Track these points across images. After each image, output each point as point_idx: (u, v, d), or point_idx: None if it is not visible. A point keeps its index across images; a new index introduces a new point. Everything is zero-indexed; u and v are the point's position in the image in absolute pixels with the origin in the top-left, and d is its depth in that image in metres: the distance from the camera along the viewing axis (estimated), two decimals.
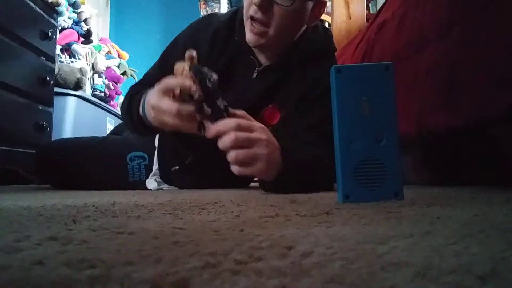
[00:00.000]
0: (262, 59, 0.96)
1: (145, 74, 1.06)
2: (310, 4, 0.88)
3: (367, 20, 1.97)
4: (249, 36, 0.87)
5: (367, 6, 2.86)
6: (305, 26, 0.94)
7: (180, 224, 0.32)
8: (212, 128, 0.64)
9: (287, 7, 0.82)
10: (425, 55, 0.91)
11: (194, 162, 1.03)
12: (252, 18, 0.84)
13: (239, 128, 0.64)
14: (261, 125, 0.69)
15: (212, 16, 1.05)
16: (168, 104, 0.67)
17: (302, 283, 0.16)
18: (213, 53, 0.96)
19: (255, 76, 0.96)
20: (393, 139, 0.51)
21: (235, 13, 0.99)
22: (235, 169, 0.65)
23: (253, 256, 0.20)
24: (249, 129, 0.66)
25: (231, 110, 0.66)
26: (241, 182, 1.18)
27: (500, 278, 0.16)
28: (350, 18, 1.99)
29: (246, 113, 0.68)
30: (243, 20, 0.93)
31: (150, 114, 0.75)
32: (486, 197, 0.55)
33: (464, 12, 0.78)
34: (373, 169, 0.50)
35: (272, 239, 0.24)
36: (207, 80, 0.63)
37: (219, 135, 0.64)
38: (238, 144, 0.63)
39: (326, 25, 2.46)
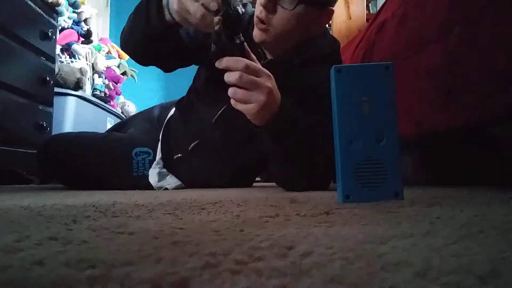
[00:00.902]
0: (269, 54, 0.99)
1: None
2: (315, 11, 0.89)
3: (367, 20, 1.97)
4: (254, 32, 0.91)
5: (367, 6, 2.86)
6: (311, 32, 0.95)
7: (180, 224, 0.32)
8: (223, 62, 0.68)
9: (289, 10, 0.85)
10: (425, 55, 0.91)
11: (197, 148, 1.05)
12: (258, 16, 0.88)
13: (246, 69, 0.68)
14: (268, 72, 0.72)
15: (244, 6, 1.07)
16: (195, 8, 0.70)
17: (302, 283, 0.16)
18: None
19: None
20: (393, 139, 0.51)
21: None
22: (232, 101, 0.71)
23: (253, 256, 0.20)
24: (255, 73, 0.69)
25: (246, 49, 0.70)
26: (242, 179, 1.18)
27: (500, 278, 0.16)
28: (350, 18, 1.99)
29: (256, 60, 0.72)
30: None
31: (174, 6, 0.76)
32: (486, 197, 0.55)
33: (464, 12, 0.78)
34: (373, 169, 0.50)
35: (272, 239, 0.24)
36: (232, 14, 0.65)
37: (227, 69, 0.69)
38: (241, 84, 0.68)
39: (326, 25, 2.46)
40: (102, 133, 1.25)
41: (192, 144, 1.07)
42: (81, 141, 1.14)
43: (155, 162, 1.11)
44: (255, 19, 0.90)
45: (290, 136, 0.79)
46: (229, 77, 0.69)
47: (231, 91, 0.70)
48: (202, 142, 1.07)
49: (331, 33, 2.19)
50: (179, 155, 1.09)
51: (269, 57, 0.98)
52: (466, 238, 0.24)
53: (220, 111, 1.00)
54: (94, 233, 0.28)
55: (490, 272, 0.16)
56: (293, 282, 0.16)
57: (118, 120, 2.64)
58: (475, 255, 0.19)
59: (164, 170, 1.10)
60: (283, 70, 0.97)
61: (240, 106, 0.71)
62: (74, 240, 0.25)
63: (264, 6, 0.85)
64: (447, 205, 0.45)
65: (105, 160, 1.10)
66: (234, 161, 1.09)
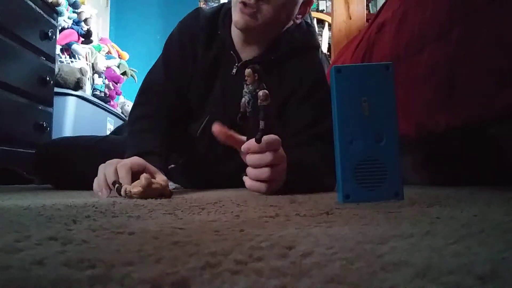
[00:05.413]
0: (243, 54, 0.96)
1: (150, 80, 1.06)
2: (300, 0, 0.89)
3: (367, 20, 1.97)
4: (238, 17, 0.86)
5: (367, 6, 2.86)
6: (291, 22, 0.95)
7: (180, 224, 0.32)
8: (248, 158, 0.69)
9: None
10: (425, 55, 0.91)
11: (186, 163, 1.04)
12: (243, 2, 0.84)
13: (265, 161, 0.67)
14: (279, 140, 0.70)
15: (198, 10, 1.05)
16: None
17: (302, 283, 0.16)
18: (200, 49, 0.97)
19: (234, 72, 0.95)
20: (393, 139, 0.51)
21: (220, 9, 1.00)
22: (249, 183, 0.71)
23: (253, 256, 0.20)
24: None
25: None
26: (236, 182, 1.18)
27: (500, 278, 0.16)
28: (350, 18, 1.99)
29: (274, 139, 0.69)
30: (226, 15, 0.94)
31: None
32: (486, 197, 0.55)
33: (464, 12, 0.78)
34: (373, 169, 0.50)
35: (272, 239, 0.24)
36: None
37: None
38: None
39: (326, 25, 2.46)
40: (100, 137, 1.23)
41: (182, 160, 1.05)
42: (78, 144, 1.13)
43: None
44: (239, 4, 0.85)
45: (304, 184, 0.77)
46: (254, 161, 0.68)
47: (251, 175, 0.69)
48: (191, 156, 1.05)
49: (329, 33, 2.19)
50: (173, 165, 1.08)
51: (244, 58, 0.95)
52: (466, 238, 0.24)
53: (203, 123, 0.97)
54: (94, 233, 0.28)
55: (490, 272, 0.16)
56: (293, 282, 0.16)
57: (118, 120, 2.65)
58: (475, 255, 0.19)
59: None
60: (262, 70, 0.95)
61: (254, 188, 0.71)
62: (74, 240, 0.25)
63: None
64: (447, 205, 0.45)
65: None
66: (226, 167, 1.08)
